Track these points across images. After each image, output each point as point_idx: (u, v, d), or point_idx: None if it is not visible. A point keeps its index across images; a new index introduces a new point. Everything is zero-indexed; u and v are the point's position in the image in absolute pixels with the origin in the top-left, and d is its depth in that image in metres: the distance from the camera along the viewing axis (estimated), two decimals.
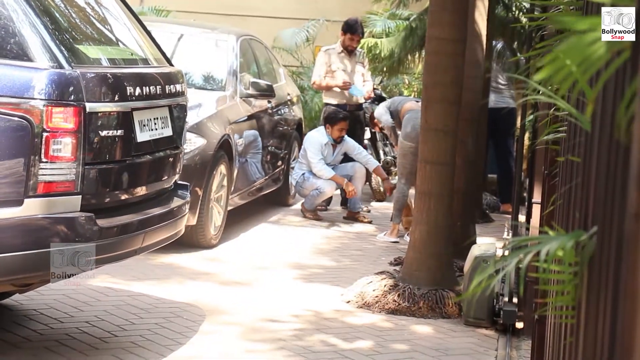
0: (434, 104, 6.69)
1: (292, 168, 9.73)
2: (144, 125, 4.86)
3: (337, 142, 9.29)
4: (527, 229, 6.93)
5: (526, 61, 8.06)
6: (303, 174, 9.28)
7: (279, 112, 9.54)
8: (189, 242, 7.62)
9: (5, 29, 4.28)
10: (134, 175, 4.81)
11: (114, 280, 6.39)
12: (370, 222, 9.39)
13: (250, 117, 8.70)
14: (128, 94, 4.68)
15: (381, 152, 10.86)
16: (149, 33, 5.54)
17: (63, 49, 4.37)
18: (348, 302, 6.49)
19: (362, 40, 10.19)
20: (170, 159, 5.25)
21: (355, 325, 6.01)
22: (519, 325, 6.18)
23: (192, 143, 7.45)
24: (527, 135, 8.99)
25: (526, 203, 7.57)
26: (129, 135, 4.68)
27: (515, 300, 6.25)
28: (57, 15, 4.74)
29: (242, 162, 8.42)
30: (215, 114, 7.99)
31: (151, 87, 4.91)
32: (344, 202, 9.70)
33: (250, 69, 9.22)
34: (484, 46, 8.32)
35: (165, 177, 5.21)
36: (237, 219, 8.61)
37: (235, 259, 7.50)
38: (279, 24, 13.38)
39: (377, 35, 11.52)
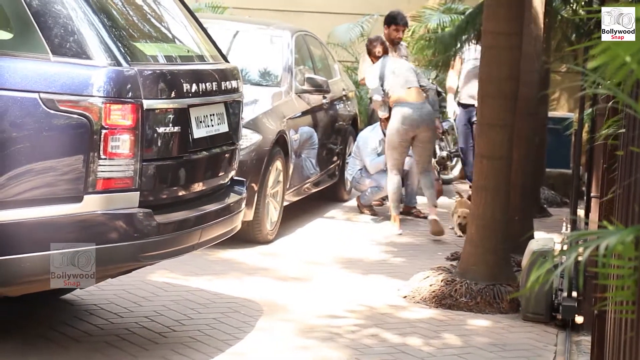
0: (490, 98, 6.64)
1: (347, 163, 9.73)
2: (201, 122, 4.89)
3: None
4: (586, 223, 6.84)
5: (584, 53, 7.95)
6: (360, 170, 9.28)
7: (334, 107, 9.54)
8: (246, 237, 7.66)
9: (64, 28, 4.33)
10: (190, 171, 4.84)
11: (172, 276, 6.45)
12: (426, 217, 9.35)
13: (305, 113, 8.71)
14: (184, 90, 4.71)
15: (437, 147, 10.81)
16: (204, 30, 5.58)
17: (120, 46, 4.42)
18: (404, 297, 6.48)
19: (416, 39, 10.17)
20: (227, 155, 5.27)
21: (412, 320, 6.00)
22: (579, 320, 6.11)
23: (248, 139, 7.49)
24: (585, 128, 8.88)
25: (585, 197, 7.48)
26: (185, 131, 4.71)
27: (574, 295, 6.19)
28: (115, 13, 4.78)
29: (298, 157, 8.44)
30: (271, 110, 8.02)
31: (207, 84, 4.94)
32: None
33: (305, 65, 9.23)
34: (542, 39, 8.23)
35: (222, 173, 5.24)
36: (293, 214, 8.64)
37: (291, 254, 7.53)
38: (333, 20, 13.37)
39: (433, 30, 11.47)
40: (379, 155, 9.18)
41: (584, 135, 8.93)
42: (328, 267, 7.21)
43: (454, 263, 7.10)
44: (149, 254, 4.49)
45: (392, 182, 8.61)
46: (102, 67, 4.33)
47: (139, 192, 4.41)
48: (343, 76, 10.55)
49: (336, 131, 9.57)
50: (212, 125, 5.04)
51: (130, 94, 4.34)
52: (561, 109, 13.36)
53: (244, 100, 5.56)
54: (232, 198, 5.30)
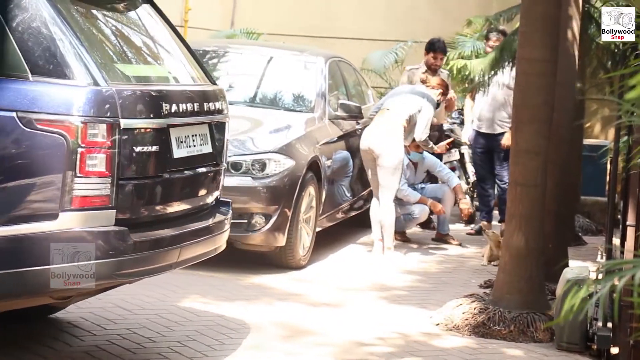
0: (525, 125, 6.61)
1: None
2: (182, 142, 4.90)
3: (415, 156, 9.16)
4: (622, 252, 6.77)
5: (619, 80, 7.90)
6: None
7: None
8: (278, 262, 7.66)
9: (44, 48, 4.38)
10: (169, 190, 4.85)
11: (204, 300, 6.46)
12: (460, 244, 9.30)
13: (339, 139, 8.72)
14: (164, 110, 4.72)
15: (470, 173, 10.75)
16: (191, 50, 5.57)
17: (99, 66, 4.47)
18: (437, 324, 6.43)
19: (451, 62, 10.13)
20: (210, 175, 5.27)
21: (445, 348, 5.95)
22: (614, 350, 6.03)
23: (281, 164, 7.50)
24: (621, 156, 8.81)
25: (620, 226, 7.40)
26: (165, 151, 4.73)
27: (609, 324, 6.11)
28: (95, 33, 4.82)
29: (331, 183, 8.43)
30: (304, 136, 8.03)
31: (188, 105, 4.94)
32: (426, 224, 9.67)
33: (339, 91, 9.25)
34: (576, 66, 8.19)
35: (204, 193, 5.22)
36: (325, 240, 8.62)
37: (323, 280, 7.51)
38: (367, 46, 13.41)
39: (467, 57, 11.45)
40: (410, 184, 9.15)
41: (620, 163, 8.85)
42: (360, 293, 7.18)
43: (487, 291, 7.05)
44: (124, 272, 4.48)
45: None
46: (80, 86, 4.37)
47: (115, 210, 4.43)
48: (376, 102, 10.54)
49: None
50: (194, 146, 5.05)
51: (107, 113, 4.39)
52: (597, 137, 13.27)
53: (229, 121, 5.53)
54: (216, 218, 5.28)
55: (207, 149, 5.20)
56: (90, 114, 4.34)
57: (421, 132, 8.53)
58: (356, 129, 9.12)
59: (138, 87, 4.72)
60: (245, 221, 7.36)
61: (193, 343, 5.56)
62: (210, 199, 5.31)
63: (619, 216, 8.35)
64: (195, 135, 5.07)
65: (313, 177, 7.91)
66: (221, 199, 5.49)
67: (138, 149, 4.53)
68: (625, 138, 7.75)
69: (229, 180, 7.36)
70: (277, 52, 9.24)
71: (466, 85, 10.54)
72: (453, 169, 10.32)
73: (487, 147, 9.89)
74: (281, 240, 7.47)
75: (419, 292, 7.42)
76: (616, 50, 9.39)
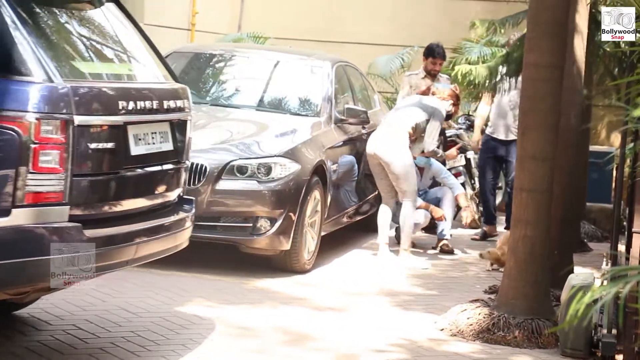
0: (531, 130, 6.60)
1: None
2: (140, 139, 4.91)
3: (421, 160, 9.18)
4: (627, 259, 6.75)
5: (626, 87, 7.89)
6: (396, 202, 9.24)
7: None
8: (283, 266, 7.66)
9: None
10: (126, 187, 4.85)
11: (209, 304, 6.46)
12: (451, 252, 9.21)
13: (345, 143, 8.72)
14: (120, 108, 4.73)
15: (476, 178, 10.73)
16: (155, 49, 5.57)
17: (56, 64, 4.47)
18: (441, 330, 6.42)
19: (457, 67, 10.13)
20: (170, 173, 5.26)
21: (450, 353, 5.94)
22: (619, 357, 6.01)
23: (287, 168, 7.50)
24: (627, 162, 8.79)
25: (626, 232, 7.39)
26: (121, 148, 4.73)
27: (614, 331, 6.09)
28: (54, 31, 4.83)
29: (336, 187, 8.43)
30: (310, 140, 8.03)
31: (147, 102, 4.94)
32: (430, 228, 9.66)
33: (345, 95, 9.25)
34: (583, 72, 8.18)
35: (164, 191, 5.21)
36: (330, 244, 8.62)
37: (328, 284, 7.51)
38: (374, 51, 13.41)
39: (473, 63, 11.44)
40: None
41: (626, 170, 8.83)
42: (364, 298, 7.17)
43: (492, 296, 7.04)
44: (78, 268, 4.45)
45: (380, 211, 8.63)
46: (35, 83, 4.37)
47: (68, 207, 4.42)
48: (383, 107, 10.55)
49: None
50: (154, 143, 5.05)
51: (62, 110, 4.39)
52: (603, 143, 13.25)
53: (191, 120, 5.52)
54: (177, 215, 5.27)
55: (168, 146, 5.21)
56: (44, 110, 4.35)
57: (429, 144, 8.57)
58: (362, 134, 9.12)
59: (94, 85, 4.74)
60: (251, 225, 7.36)
61: (196, 346, 5.55)
62: (171, 197, 5.30)
63: (625, 223, 8.34)
64: (155, 133, 5.08)
65: (318, 181, 7.91)
66: (184, 196, 5.48)
67: (93, 145, 4.54)
68: (632, 145, 7.74)
69: (234, 184, 7.39)
70: (284, 56, 9.24)
71: (472, 90, 10.54)
72: (459, 175, 10.31)
73: (498, 153, 9.90)
74: (286, 244, 7.47)
75: (423, 297, 7.41)
76: (623, 57, 9.37)
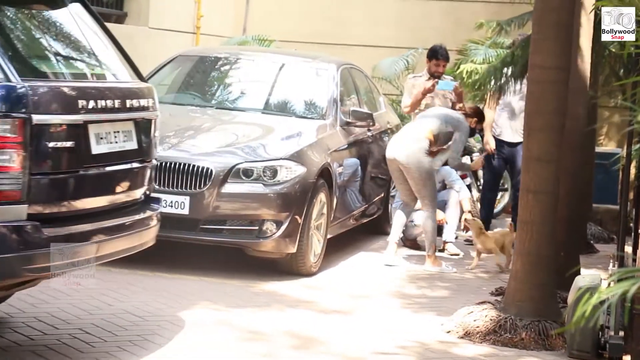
0: (537, 132, 6.60)
1: (393, 197, 9.69)
2: (102, 138, 4.91)
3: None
4: (634, 260, 6.75)
5: (632, 87, 7.88)
6: (401, 203, 9.24)
7: (379, 140, 9.54)
8: (289, 269, 7.66)
9: None
10: (87, 186, 4.84)
11: (215, 307, 6.46)
12: (456, 254, 9.21)
13: (350, 146, 8.72)
14: (80, 107, 4.72)
15: (482, 180, 10.72)
16: (121, 48, 5.55)
17: (13, 63, 4.47)
18: (448, 332, 6.42)
19: (462, 66, 10.11)
20: (134, 172, 5.26)
21: (458, 355, 5.94)
22: (626, 359, 6.01)
23: (293, 171, 7.51)
24: (633, 164, 8.78)
25: (632, 234, 7.38)
26: (82, 147, 4.73)
27: (621, 332, 6.08)
28: (12, 31, 4.83)
29: (342, 190, 8.43)
30: (316, 143, 8.03)
31: (109, 101, 4.94)
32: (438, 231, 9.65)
33: (351, 98, 9.26)
34: (589, 73, 8.17)
35: (128, 189, 5.20)
36: (336, 247, 8.62)
37: (334, 287, 7.51)
38: (379, 53, 13.41)
39: (478, 64, 11.42)
40: None
41: (632, 171, 8.82)
42: (370, 300, 7.17)
43: (499, 298, 7.03)
44: (36, 266, 4.46)
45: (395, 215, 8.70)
46: None
47: (26, 205, 4.42)
48: (388, 109, 10.55)
49: (381, 164, 9.56)
50: (117, 142, 5.05)
51: (19, 109, 4.39)
52: (609, 144, 13.23)
53: (158, 119, 5.51)
54: (142, 214, 5.26)
55: (132, 145, 5.21)
56: (1, 109, 4.35)
57: (454, 159, 8.60)
58: (368, 136, 9.12)
59: (54, 84, 4.73)
60: (257, 228, 7.36)
61: (204, 350, 5.56)
62: (136, 195, 5.29)
63: (631, 224, 8.33)
64: (118, 132, 5.08)
65: (324, 184, 7.91)
66: (152, 195, 5.47)
67: (52, 144, 4.54)
68: (638, 146, 7.74)
69: (240, 187, 7.39)
70: (289, 59, 9.25)
71: (476, 90, 10.52)
72: (465, 177, 10.30)
73: (506, 155, 9.88)
74: (292, 247, 7.47)
75: (430, 299, 7.41)
76: (628, 58, 9.36)
